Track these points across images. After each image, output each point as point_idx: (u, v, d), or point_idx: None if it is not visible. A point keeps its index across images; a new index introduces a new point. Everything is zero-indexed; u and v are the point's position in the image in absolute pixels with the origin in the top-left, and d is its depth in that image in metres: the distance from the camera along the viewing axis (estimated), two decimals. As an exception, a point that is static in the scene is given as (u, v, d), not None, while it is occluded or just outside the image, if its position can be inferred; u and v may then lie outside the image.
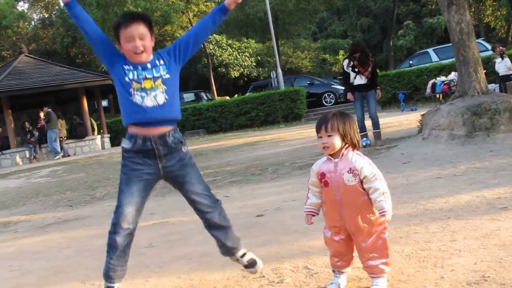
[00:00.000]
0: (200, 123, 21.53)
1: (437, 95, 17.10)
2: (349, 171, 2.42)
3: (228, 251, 2.78)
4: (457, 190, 4.37)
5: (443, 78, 17.12)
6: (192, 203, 2.72)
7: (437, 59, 20.60)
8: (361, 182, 2.41)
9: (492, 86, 13.15)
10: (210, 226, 2.74)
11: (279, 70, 22.59)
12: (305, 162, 7.62)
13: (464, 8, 7.25)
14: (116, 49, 2.65)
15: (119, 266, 2.64)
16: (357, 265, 2.62)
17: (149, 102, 2.57)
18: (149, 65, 2.61)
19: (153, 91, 2.58)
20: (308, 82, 24.02)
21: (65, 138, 18.68)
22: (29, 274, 3.81)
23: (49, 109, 17.74)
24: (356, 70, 8.52)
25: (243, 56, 33.87)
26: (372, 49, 34.04)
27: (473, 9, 32.35)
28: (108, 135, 20.74)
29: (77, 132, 19.36)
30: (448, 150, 6.40)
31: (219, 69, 32.80)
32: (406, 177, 5.35)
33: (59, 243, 4.80)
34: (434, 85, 17.22)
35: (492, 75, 15.50)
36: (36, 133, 18.95)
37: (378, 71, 9.83)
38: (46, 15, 41.23)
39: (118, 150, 17.13)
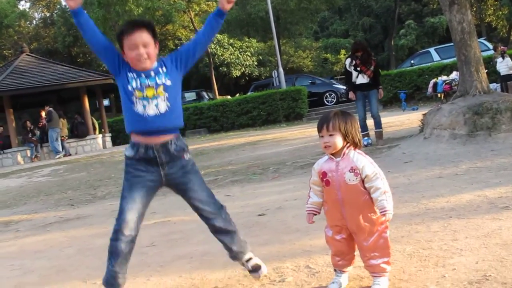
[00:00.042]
0: (201, 122, 21.53)
1: (439, 95, 17.10)
2: (351, 170, 2.42)
3: (235, 255, 2.82)
4: (459, 189, 4.37)
5: (444, 77, 17.12)
6: (196, 209, 2.75)
7: (439, 59, 20.59)
8: (363, 181, 2.41)
9: (493, 86, 13.16)
10: (216, 231, 2.78)
11: (281, 69, 22.56)
12: (307, 161, 7.62)
13: (465, 8, 7.25)
14: (121, 56, 2.65)
15: (121, 273, 2.64)
16: (359, 264, 2.62)
17: (150, 111, 2.58)
18: (152, 73, 2.62)
19: (155, 99, 2.59)
20: (310, 81, 24.00)
21: (67, 137, 18.67)
22: (30, 273, 3.81)
23: (51, 108, 17.74)
24: (358, 69, 8.48)
25: (245, 56, 33.89)
26: (373, 48, 33.98)
27: (474, 9, 32.34)
28: (110, 134, 20.72)
29: (78, 131, 19.37)
30: (449, 150, 6.40)
31: (220, 68, 32.81)
32: (408, 177, 5.35)
33: (60, 242, 4.80)
34: (435, 84, 17.22)
35: (493, 75, 15.48)
36: (38, 132, 18.95)
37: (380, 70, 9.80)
38: (48, 14, 41.33)
39: (119, 149, 17.16)
